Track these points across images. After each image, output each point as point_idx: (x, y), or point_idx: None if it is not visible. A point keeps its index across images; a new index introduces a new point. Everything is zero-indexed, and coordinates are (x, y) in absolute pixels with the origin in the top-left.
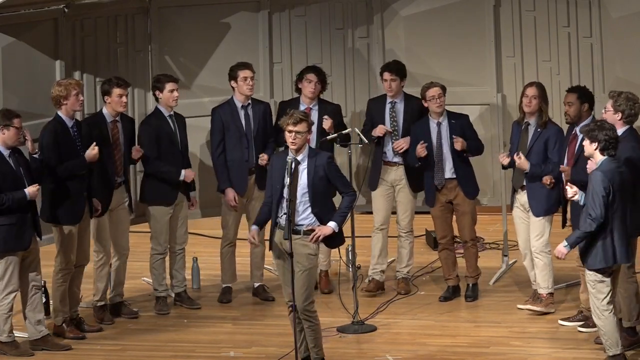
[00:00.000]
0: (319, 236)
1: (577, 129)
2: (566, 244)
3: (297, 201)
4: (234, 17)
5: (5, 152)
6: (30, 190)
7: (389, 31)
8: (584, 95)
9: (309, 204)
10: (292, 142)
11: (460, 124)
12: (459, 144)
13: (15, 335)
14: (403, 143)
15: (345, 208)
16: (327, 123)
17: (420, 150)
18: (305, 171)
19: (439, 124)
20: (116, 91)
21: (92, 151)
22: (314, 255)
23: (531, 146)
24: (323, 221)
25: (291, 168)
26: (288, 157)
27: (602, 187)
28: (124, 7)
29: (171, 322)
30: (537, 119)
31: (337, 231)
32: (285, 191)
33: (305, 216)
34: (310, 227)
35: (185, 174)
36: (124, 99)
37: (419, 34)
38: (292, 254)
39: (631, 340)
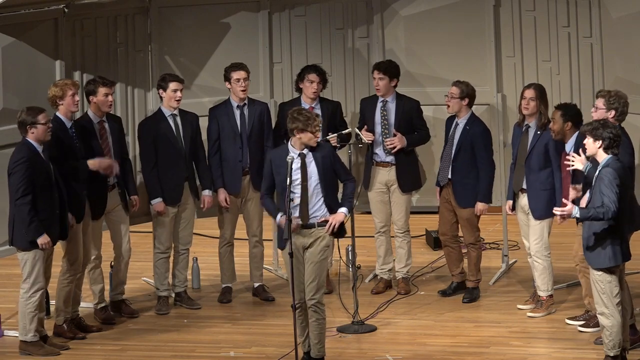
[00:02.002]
0: (335, 225)
1: (566, 147)
2: (577, 211)
3: (309, 194)
4: (234, 17)
5: (39, 149)
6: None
7: (389, 31)
8: (567, 114)
9: (321, 195)
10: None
11: (472, 133)
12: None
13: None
14: (397, 142)
15: (351, 193)
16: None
17: None
18: (313, 163)
19: (456, 124)
20: (102, 90)
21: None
22: (328, 247)
23: (531, 149)
24: (333, 210)
25: (291, 168)
26: (288, 157)
27: (616, 183)
28: (124, 7)
29: (171, 322)
30: (537, 121)
31: (347, 215)
32: (298, 189)
33: (317, 208)
34: (323, 219)
35: (204, 199)
36: (109, 98)
37: (419, 34)
38: (292, 253)
39: (632, 339)
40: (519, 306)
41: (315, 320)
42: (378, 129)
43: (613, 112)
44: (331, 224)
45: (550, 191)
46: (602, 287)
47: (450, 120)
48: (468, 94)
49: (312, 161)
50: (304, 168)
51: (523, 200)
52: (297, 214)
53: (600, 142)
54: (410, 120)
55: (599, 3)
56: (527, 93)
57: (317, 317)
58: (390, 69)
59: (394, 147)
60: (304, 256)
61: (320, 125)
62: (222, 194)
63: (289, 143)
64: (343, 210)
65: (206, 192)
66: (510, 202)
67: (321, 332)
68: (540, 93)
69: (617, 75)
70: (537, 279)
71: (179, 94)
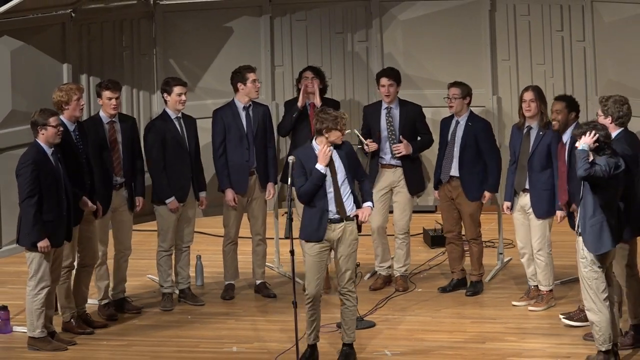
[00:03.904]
0: (366, 217)
1: (563, 137)
2: (583, 145)
3: (339, 188)
4: (237, 22)
5: (49, 151)
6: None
7: (388, 35)
8: (571, 105)
9: (349, 189)
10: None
11: (474, 128)
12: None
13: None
14: (402, 148)
15: (370, 189)
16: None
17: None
18: (339, 160)
19: (457, 122)
20: (105, 94)
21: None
22: (357, 239)
23: (534, 149)
24: (358, 204)
25: (292, 169)
26: (289, 158)
27: (610, 166)
28: (129, 11)
29: (175, 318)
30: (539, 122)
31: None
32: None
33: (346, 201)
34: (354, 213)
35: (202, 200)
36: (113, 101)
37: (417, 38)
38: (293, 251)
39: (637, 338)
40: (514, 303)
41: (347, 307)
42: (384, 134)
43: (610, 118)
44: (362, 217)
45: (552, 191)
46: (588, 283)
47: (447, 120)
48: (469, 92)
49: (337, 158)
50: (332, 164)
51: (524, 200)
52: (332, 207)
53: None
54: (414, 125)
55: (592, 8)
56: (527, 95)
57: (349, 305)
58: (397, 76)
59: (399, 153)
60: (336, 250)
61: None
62: (230, 194)
63: (314, 141)
64: (369, 204)
65: (203, 194)
66: (508, 203)
67: (352, 318)
68: (540, 94)
69: (609, 78)
70: (539, 275)
71: (183, 97)
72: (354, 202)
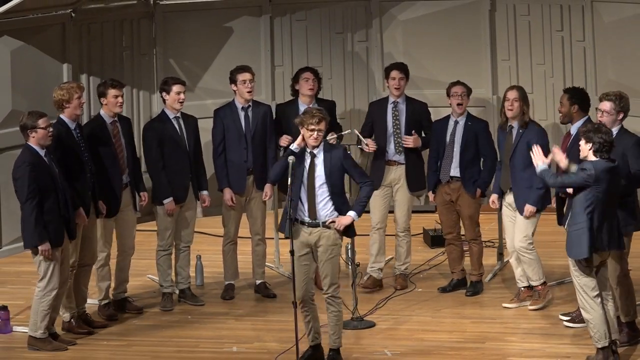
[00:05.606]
0: (340, 226)
1: (571, 129)
2: (543, 167)
3: (315, 193)
4: (237, 22)
5: (42, 152)
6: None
7: (388, 35)
8: (574, 97)
9: (327, 195)
10: (315, 139)
11: (475, 128)
12: None
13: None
14: (411, 141)
15: (364, 197)
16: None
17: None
18: (322, 164)
19: (456, 122)
20: (111, 92)
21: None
22: (336, 245)
23: (515, 147)
24: (342, 212)
25: (292, 169)
26: (289, 158)
27: (586, 175)
28: (129, 11)
29: (176, 318)
30: (520, 121)
31: (356, 220)
32: (302, 189)
33: (322, 206)
34: (331, 220)
35: (204, 198)
36: (119, 99)
37: (417, 38)
38: (293, 251)
39: (632, 335)
40: (505, 305)
41: (331, 312)
42: (390, 129)
43: (622, 114)
44: (336, 225)
45: (534, 188)
46: (578, 281)
47: (441, 122)
48: (470, 92)
49: (320, 163)
50: (311, 167)
51: (510, 197)
52: (305, 210)
53: (591, 145)
54: (420, 122)
55: (592, 8)
56: (511, 94)
57: (332, 310)
58: (407, 70)
59: (407, 144)
60: (314, 253)
61: (321, 122)
62: (228, 194)
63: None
64: (351, 213)
65: (205, 193)
66: (495, 195)
67: (337, 324)
68: (523, 94)
69: (608, 78)
70: (528, 271)
71: (182, 96)
72: (339, 208)
